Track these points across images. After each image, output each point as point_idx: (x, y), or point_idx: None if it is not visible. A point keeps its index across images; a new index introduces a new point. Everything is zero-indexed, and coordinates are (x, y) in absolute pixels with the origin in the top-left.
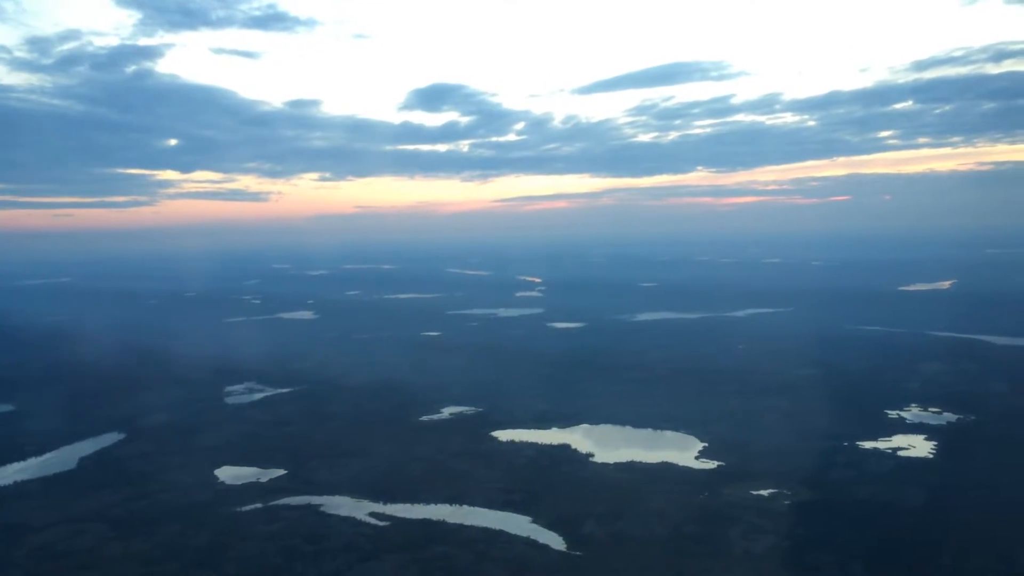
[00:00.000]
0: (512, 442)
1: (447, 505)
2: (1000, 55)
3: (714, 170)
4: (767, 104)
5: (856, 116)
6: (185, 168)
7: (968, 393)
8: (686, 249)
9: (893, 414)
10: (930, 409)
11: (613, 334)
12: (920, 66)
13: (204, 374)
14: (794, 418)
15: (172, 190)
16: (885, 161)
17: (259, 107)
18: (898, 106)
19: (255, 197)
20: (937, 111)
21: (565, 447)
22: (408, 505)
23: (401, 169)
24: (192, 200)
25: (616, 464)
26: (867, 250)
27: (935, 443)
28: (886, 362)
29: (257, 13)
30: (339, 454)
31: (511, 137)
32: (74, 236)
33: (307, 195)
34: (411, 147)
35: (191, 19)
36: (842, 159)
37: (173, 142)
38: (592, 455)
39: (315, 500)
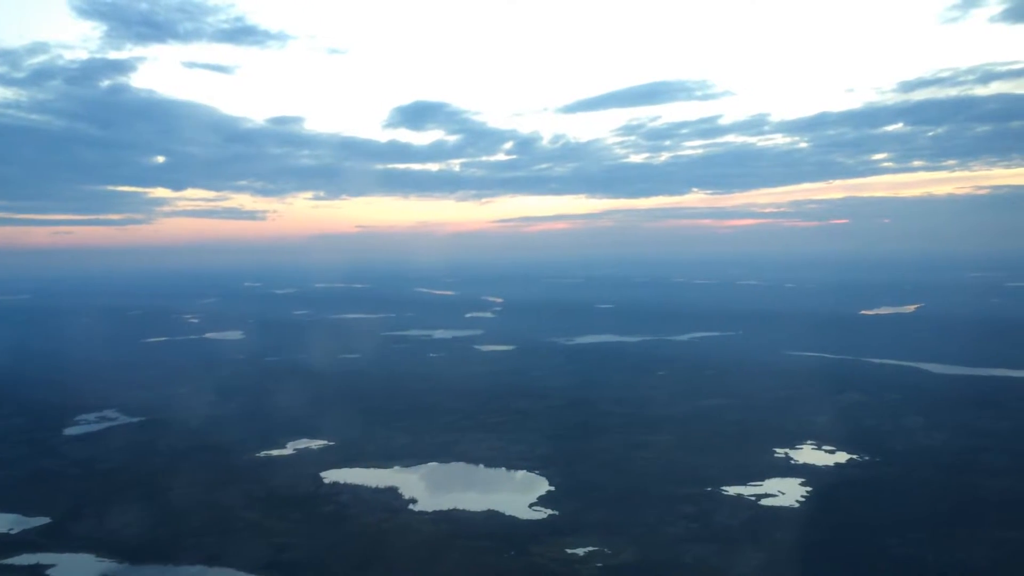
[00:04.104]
0: (335, 484)
1: (200, 567)
2: (988, 76)
3: (709, 192)
4: (756, 125)
5: (848, 138)
6: (176, 186)
7: (875, 429)
8: (667, 270)
9: (780, 453)
10: (824, 448)
11: (534, 359)
12: (907, 87)
13: (64, 400)
14: (668, 457)
15: (166, 208)
16: (882, 184)
17: (242, 124)
18: (889, 128)
19: (251, 216)
20: (930, 134)
21: (391, 490)
22: (153, 567)
23: (394, 188)
24: (188, 218)
25: (434, 513)
26: (851, 273)
27: (809, 489)
28: (805, 391)
29: (225, 26)
30: (126, 499)
31: (501, 156)
32: (72, 253)
33: (304, 214)
34: (401, 166)
35: (158, 32)
36: (838, 182)
37: (160, 159)
38: (415, 501)
39: (48, 559)
